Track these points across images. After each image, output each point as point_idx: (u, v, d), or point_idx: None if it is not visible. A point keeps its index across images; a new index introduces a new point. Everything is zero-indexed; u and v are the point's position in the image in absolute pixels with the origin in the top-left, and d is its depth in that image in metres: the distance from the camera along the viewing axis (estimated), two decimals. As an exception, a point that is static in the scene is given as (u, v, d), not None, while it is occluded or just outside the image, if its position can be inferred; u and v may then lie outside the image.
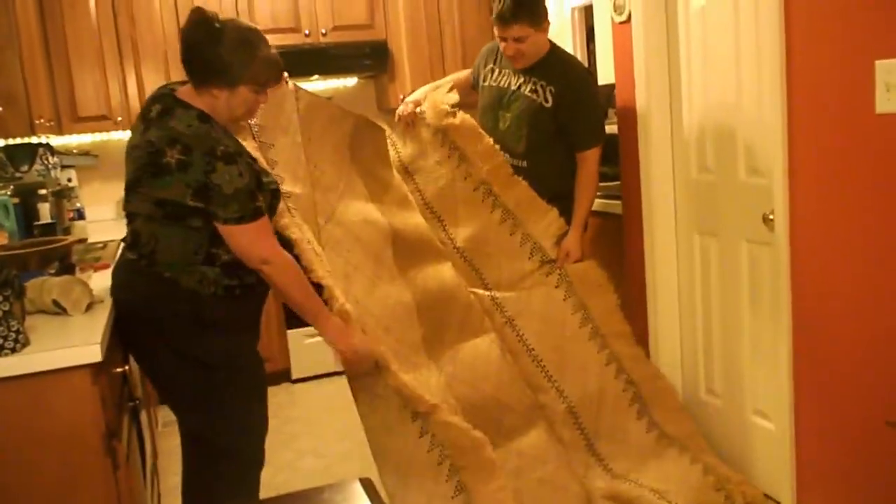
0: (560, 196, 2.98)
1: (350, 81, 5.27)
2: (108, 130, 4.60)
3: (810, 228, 2.38)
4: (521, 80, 3.00)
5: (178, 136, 2.03)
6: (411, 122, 3.13)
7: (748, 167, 2.69)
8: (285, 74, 2.52)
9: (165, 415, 2.95)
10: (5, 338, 1.80)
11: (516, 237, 2.96)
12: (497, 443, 2.61)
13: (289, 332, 4.46)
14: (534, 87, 2.97)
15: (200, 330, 2.14)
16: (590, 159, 2.97)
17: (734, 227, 2.80)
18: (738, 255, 2.80)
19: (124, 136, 4.74)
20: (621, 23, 3.12)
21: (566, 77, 2.96)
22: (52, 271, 2.69)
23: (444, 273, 2.87)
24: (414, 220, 2.92)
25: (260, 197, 2.11)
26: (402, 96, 4.98)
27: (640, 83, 3.06)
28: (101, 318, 2.09)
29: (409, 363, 2.57)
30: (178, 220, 2.07)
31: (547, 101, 2.94)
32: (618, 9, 3.12)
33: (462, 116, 2.99)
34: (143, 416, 2.80)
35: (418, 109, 3.10)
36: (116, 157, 4.74)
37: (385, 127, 3.05)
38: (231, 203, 2.03)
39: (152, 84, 4.50)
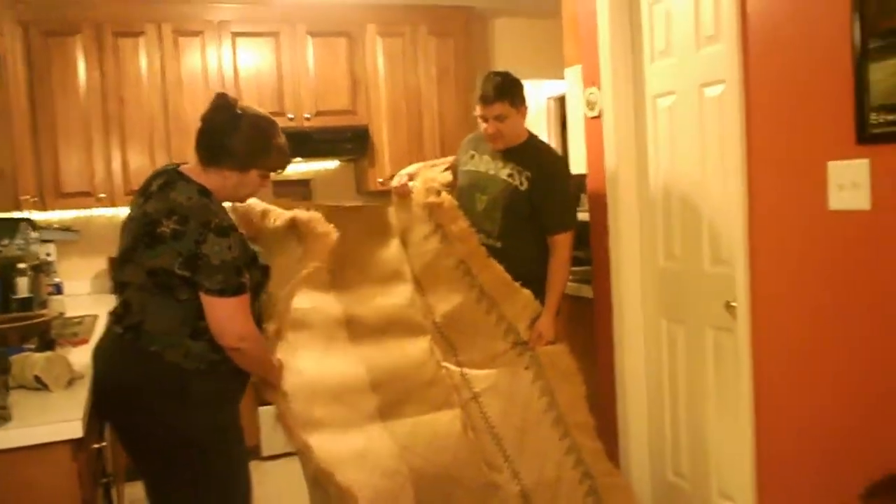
0: (533, 279, 3.05)
1: (331, 164, 5.41)
2: (90, 207, 4.67)
3: (770, 316, 2.48)
4: (500, 164, 3.13)
5: (176, 207, 2.11)
6: (403, 195, 3.19)
7: (713, 257, 2.82)
8: None
9: (133, 492, 2.94)
10: (-11, 412, 1.84)
11: (492, 316, 3.00)
12: None
13: (260, 408, 4.46)
14: (510, 172, 3.09)
15: (185, 406, 2.16)
16: (561, 244, 3.08)
17: (699, 313, 2.90)
18: (703, 340, 2.90)
19: (105, 212, 4.84)
20: (593, 118, 3.28)
21: (541, 163, 3.09)
22: (33, 346, 2.73)
23: (409, 349, 2.94)
24: (388, 301, 3.01)
25: (247, 274, 2.17)
26: (380, 179, 5.14)
27: (609, 175, 3.21)
28: (81, 394, 2.13)
29: (359, 429, 2.67)
30: (168, 290, 2.12)
31: (522, 184, 3.06)
32: (590, 105, 3.29)
33: (446, 197, 3.07)
34: (113, 493, 2.80)
35: (410, 184, 3.17)
36: (97, 233, 4.89)
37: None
38: (216, 274, 2.09)
39: (136, 163, 4.64)
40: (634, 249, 3.20)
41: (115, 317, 2.24)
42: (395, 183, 3.21)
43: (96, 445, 2.20)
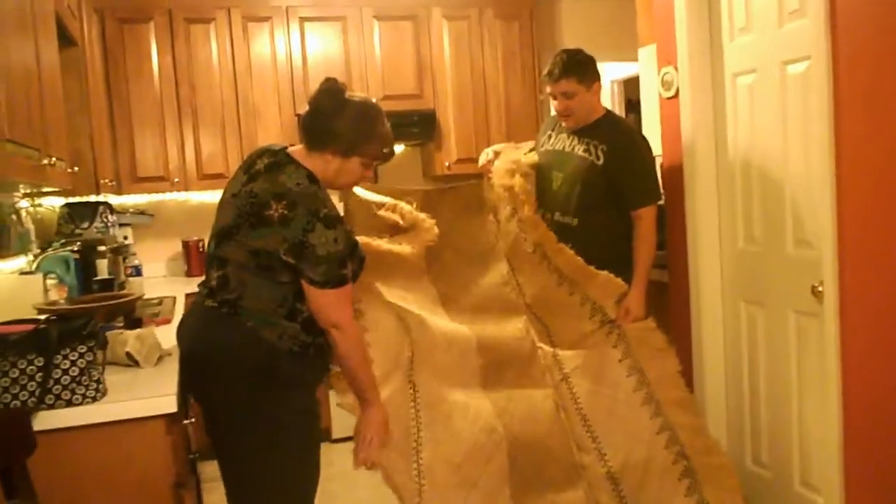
0: (611, 258, 2.97)
1: (398, 148, 5.43)
2: (164, 191, 4.78)
3: (860, 302, 2.41)
4: (575, 141, 3.09)
5: (285, 191, 2.11)
6: (486, 173, 3.16)
7: (796, 239, 2.75)
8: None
9: (211, 470, 3.01)
10: (87, 387, 1.89)
11: (576, 297, 2.93)
12: (534, 488, 2.63)
13: (332, 391, 4.50)
14: (586, 147, 3.05)
15: (274, 385, 2.17)
16: (645, 217, 3.01)
17: (781, 297, 2.84)
18: (785, 324, 2.84)
19: (179, 196, 4.95)
20: (669, 98, 3.23)
21: (617, 136, 3.04)
22: (121, 325, 2.80)
23: (508, 326, 2.93)
24: (485, 279, 3.03)
25: (349, 266, 2.17)
26: (447, 163, 5.14)
27: (686, 155, 3.15)
28: (171, 371, 2.18)
29: (461, 383, 2.71)
30: (269, 271, 2.13)
31: (598, 158, 3.01)
32: (666, 84, 3.23)
33: (518, 180, 3.02)
34: (199, 469, 2.86)
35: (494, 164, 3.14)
36: (170, 217, 5.00)
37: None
38: (320, 265, 2.09)
39: (209, 147, 4.73)
40: (713, 232, 3.14)
41: (210, 290, 2.22)
42: (481, 161, 3.18)
43: (185, 421, 2.25)
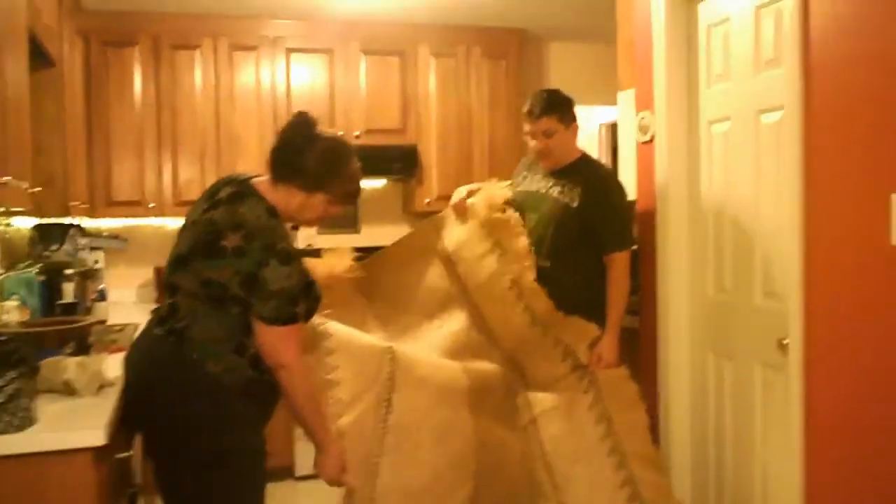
0: (582, 302, 2.92)
1: (379, 183, 5.39)
2: (139, 216, 4.73)
3: (825, 357, 2.35)
4: (550, 182, 3.05)
5: (243, 223, 2.05)
6: (461, 212, 3.10)
7: (765, 291, 2.69)
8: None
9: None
10: (13, 415, 1.81)
11: (549, 339, 2.87)
12: None
13: (297, 429, 4.42)
14: (561, 189, 3.01)
15: (218, 421, 2.11)
16: (617, 262, 2.96)
17: (749, 349, 2.78)
18: (751, 378, 2.77)
19: (153, 222, 4.89)
20: (645, 143, 3.19)
21: (592, 180, 3.00)
22: (70, 351, 2.72)
23: (480, 367, 2.85)
24: (449, 329, 2.95)
25: (301, 303, 2.11)
26: (427, 200, 5.10)
27: (660, 201, 3.11)
28: (110, 401, 2.10)
29: (450, 401, 2.66)
30: (219, 303, 2.07)
31: (573, 201, 2.97)
32: (642, 129, 3.20)
33: (512, 213, 2.98)
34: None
35: (469, 200, 3.09)
36: (144, 242, 4.93)
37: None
38: (271, 300, 2.04)
39: (187, 174, 4.69)
40: (683, 280, 3.09)
41: (159, 318, 2.17)
42: (453, 199, 3.14)
43: (122, 455, 2.16)
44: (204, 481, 2.15)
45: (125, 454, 2.19)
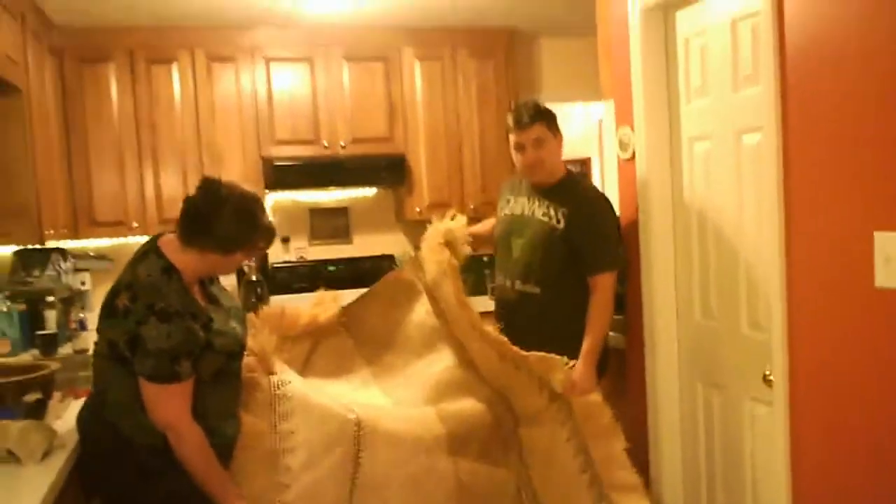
0: (575, 332, 2.81)
1: (370, 191, 5.27)
2: (123, 235, 4.64)
3: (809, 396, 2.22)
4: (535, 204, 2.93)
5: (134, 281, 2.09)
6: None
7: (750, 320, 2.56)
8: None
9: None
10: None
11: (523, 372, 2.73)
12: None
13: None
14: (545, 211, 2.89)
15: (139, 480, 2.11)
16: (602, 284, 2.83)
17: (736, 381, 2.64)
18: (740, 411, 2.64)
19: (141, 240, 4.77)
20: (626, 160, 3.04)
21: (578, 199, 2.88)
22: (34, 399, 2.62)
23: (468, 405, 2.72)
24: (435, 368, 2.84)
25: (184, 362, 2.06)
26: (418, 209, 4.97)
27: (642, 220, 2.96)
28: (53, 470, 2.01)
29: (426, 449, 2.53)
30: (123, 363, 2.08)
31: (559, 222, 2.85)
32: (623, 146, 3.05)
33: (445, 255, 2.85)
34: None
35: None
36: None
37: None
38: (149, 359, 2.03)
39: (170, 191, 4.59)
40: (669, 303, 2.94)
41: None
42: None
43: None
44: None
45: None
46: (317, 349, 2.89)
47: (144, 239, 4.55)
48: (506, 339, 2.69)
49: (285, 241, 5.10)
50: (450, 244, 2.88)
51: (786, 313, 2.26)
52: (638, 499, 2.70)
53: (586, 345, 2.80)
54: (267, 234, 2.26)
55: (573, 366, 2.72)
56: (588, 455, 2.71)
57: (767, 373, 2.39)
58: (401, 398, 2.79)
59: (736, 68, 2.51)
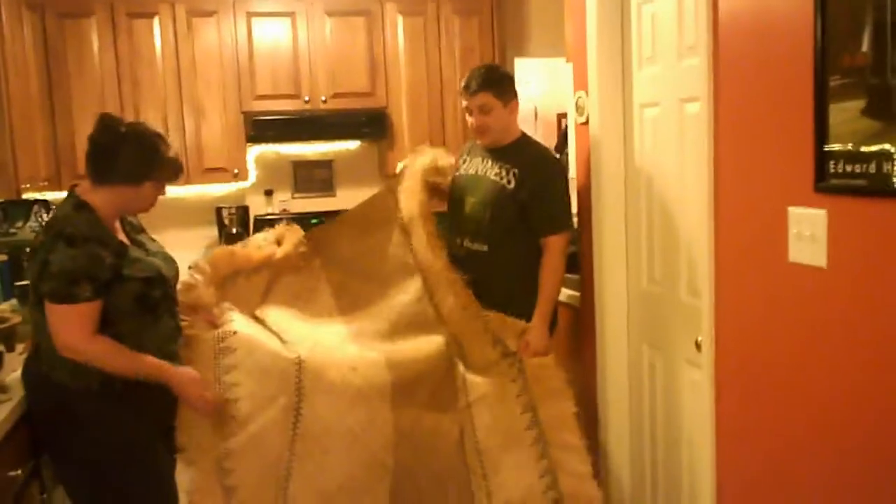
0: (522, 291, 2.89)
1: (353, 144, 5.30)
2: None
3: (731, 363, 2.27)
4: (489, 164, 2.98)
5: (49, 222, 2.21)
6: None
7: (689, 287, 2.59)
8: None
9: None
10: None
11: (479, 324, 2.83)
12: None
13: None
14: (498, 171, 2.94)
15: (75, 428, 2.17)
16: (553, 246, 2.89)
17: (676, 345, 2.70)
18: (679, 374, 2.70)
19: (125, 192, 4.87)
20: (581, 124, 3.06)
21: (529, 160, 2.93)
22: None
23: (424, 346, 2.81)
24: (398, 300, 2.91)
25: (85, 285, 2.10)
26: (400, 163, 4.98)
27: (594, 185, 2.99)
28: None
29: (366, 401, 2.61)
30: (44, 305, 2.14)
31: (510, 182, 2.90)
32: (579, 109, 3.06)
33: (420, 198, 2.95)
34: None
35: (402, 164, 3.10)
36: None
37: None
38: (50, 280, 2.09)
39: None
40: (620, 267, 2.98)
41: None
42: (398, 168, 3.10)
43: (13, 473, 2.17)
44: (82, 489, 2.25)
45: (15, 472, 2.18)
46: (278, 278, 2.90)
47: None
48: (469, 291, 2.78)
49: (268, 193, 5.16)
50: (432, 181, 2.96)
51: (713, 281, 2.29)
52: (580, 461, 2.78)
53: (540, 306, 2.87)
54: (172, 165, 2.31)
55: (527, 328, 2.80)
56: (535, 414, 2.79)
57: (699, 339, 2.43)
58: (361, 329, 2.85)
59: (681, 37, 2.51)
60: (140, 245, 2.37)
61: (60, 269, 2.07)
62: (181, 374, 2.32)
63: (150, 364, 2.25)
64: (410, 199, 2.97)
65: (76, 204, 2.20)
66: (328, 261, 2.97)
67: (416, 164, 3.09)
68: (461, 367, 2.83)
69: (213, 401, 2.37)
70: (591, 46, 2.92)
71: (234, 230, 4.71)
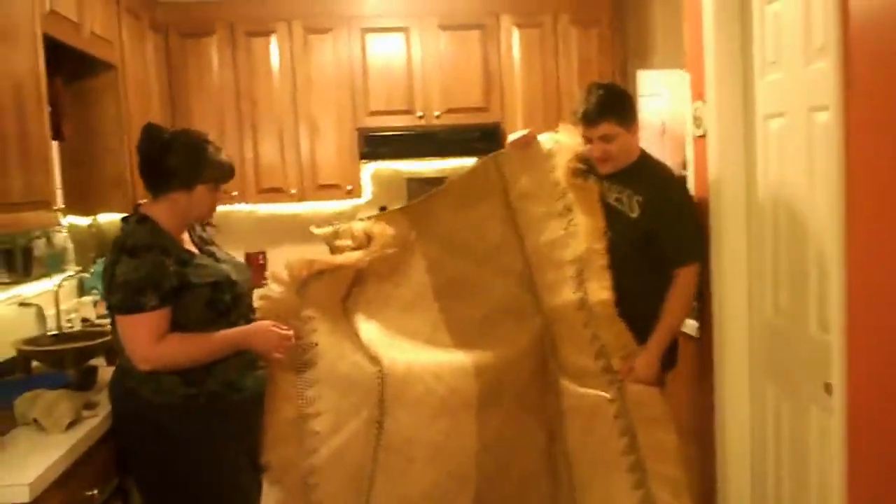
0: (645, 323, 2.63)
1: (468, 161, 5.16)
2: (224, 203, 4.76)
3: (868, 410, 1.95)
4: (606, 187, 2.73)
5: (115, 239, 2.22)
6: (525, 146, 2.86)
7: (819, 320, 2.28)
8: None
9: None
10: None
11: (588, 331, 2.62)
12: None
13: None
14: (618, 197, 2.71)
15: (160, 444, 2.17)
16: (684, 278, 2.63)
17: (803, 386, 2.38)
18: (808, 419, 2.38)
19: (243, 208, 4.93)
20: (699, 136, 2.79)
21: (655, 184, 2.69)
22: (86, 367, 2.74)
23: (518, 338, 2.69)
24: (496, 283, 2.77)
25: (150, 295, 2.09)
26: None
27: (713, 204, 2.72)
28: (70, 441, 2.08)
29: (451, 413, 2.51)
30: None
31: (633, 210, 2.67)
32: (696, 121, 2.80)
33: (592, 182, 2.71)
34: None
35: (548, 146, 2.83)
36: (234, 228, 4.98)
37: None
38: (117, 292, 2.10)
39: (268, 161, 4.69)
40: (741, 296, 2.69)
41: None
42: (517, 139, 2.87)
43: (89, 493, 2.14)
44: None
45: (91, 492, 2.15)
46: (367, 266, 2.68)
47: (244, 207, 4.84)
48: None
49: (382, 209, 5.10)
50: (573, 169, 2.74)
51: (846, 314, 1.99)
52: (680, 496, 2.55)
53: (657, 334, 2.64)
54: (221, 166, 2.30)
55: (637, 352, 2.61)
56: (635, 439, 2.60)
57: (828, 379, 2.13)
58: (452, 316, 2.70)
59: (808, 38, 2.22)
60: (210, 255, 2.37)
61: (125, 280, 2.09)
62: (256, 327, 2.30)
63: (222, 336, 2.24)
64: (570, 181, 2.74)
65: (138, 219, 2.24)
66: (424, 233, 2.76)
67: (567, 147, 2.82)
68: (553, 366, 2.70)
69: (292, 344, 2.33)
70: (708, 51, 2.66)
71: (346, 247, 4.66)
